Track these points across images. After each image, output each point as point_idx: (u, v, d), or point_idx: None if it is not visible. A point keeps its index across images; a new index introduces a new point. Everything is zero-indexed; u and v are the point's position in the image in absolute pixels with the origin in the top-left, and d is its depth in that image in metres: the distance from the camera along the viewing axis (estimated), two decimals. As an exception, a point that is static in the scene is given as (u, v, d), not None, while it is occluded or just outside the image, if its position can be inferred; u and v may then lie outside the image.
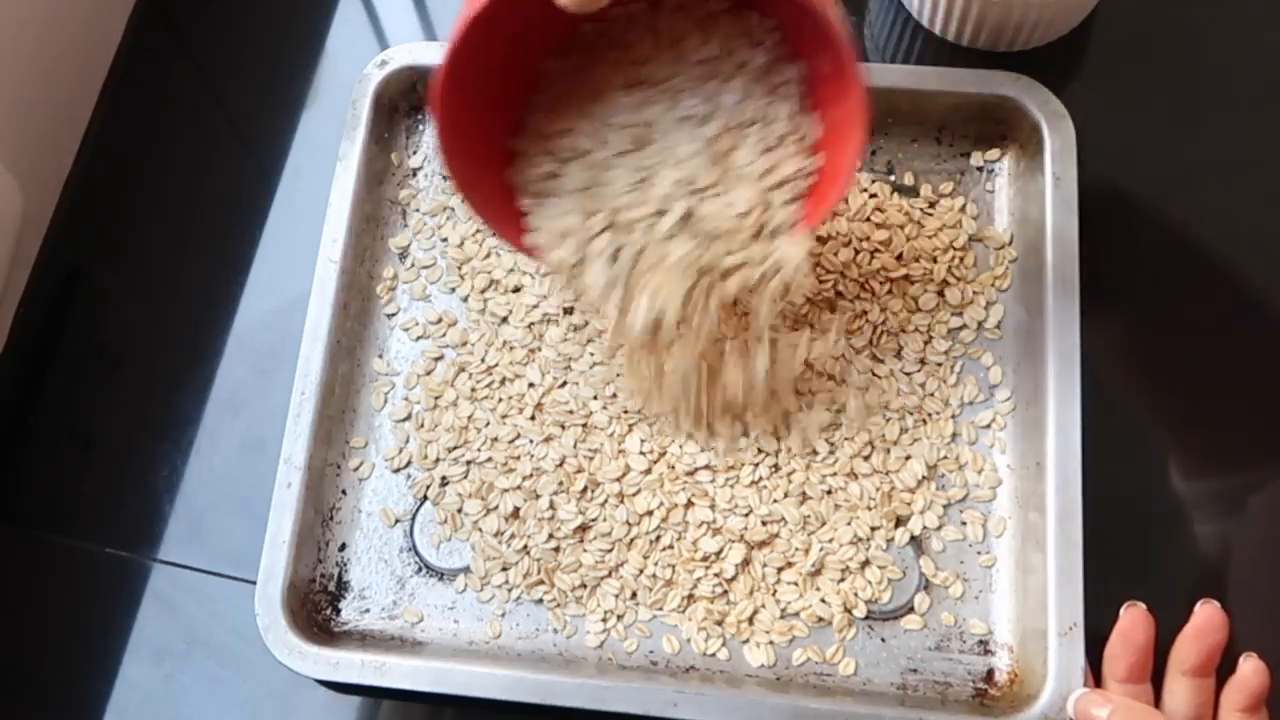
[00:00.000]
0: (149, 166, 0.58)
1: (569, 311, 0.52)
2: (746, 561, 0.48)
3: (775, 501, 0.48)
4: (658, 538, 0.48)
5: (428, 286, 0.54)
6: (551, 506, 0.49)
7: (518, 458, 0.50)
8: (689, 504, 0.48)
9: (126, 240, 0.57)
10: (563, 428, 0.50)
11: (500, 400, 0.51)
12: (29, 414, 0.54)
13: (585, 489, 0.49)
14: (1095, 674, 0.44)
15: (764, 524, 0.48)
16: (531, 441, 0.50)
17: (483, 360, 0.52)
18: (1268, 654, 0.43)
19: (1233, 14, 0.56)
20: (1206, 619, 0.43)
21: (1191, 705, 0.43)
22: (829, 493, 0.48)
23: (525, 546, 0.48)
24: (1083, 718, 0.42)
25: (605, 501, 0.48)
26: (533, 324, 0.52)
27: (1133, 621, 0.44)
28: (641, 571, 0.48)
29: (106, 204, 0.58)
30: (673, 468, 0.49)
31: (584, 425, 0.50)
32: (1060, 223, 0.49)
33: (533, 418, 0.50)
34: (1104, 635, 0.44)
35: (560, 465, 0.49)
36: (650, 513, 0.48)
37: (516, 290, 0.53)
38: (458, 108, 0.40)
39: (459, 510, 0.49)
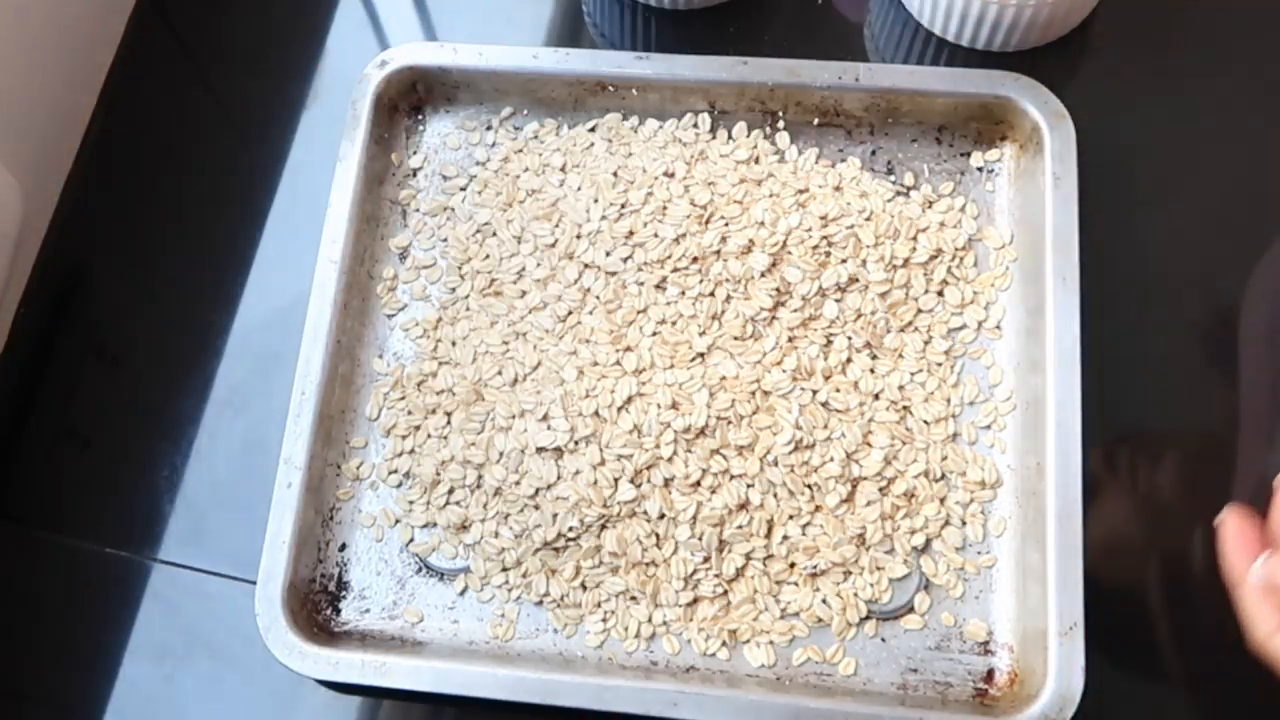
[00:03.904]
0: (149, 166, 0.58)
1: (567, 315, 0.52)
2: (747, 561, 0.48)
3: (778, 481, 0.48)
4: (656, 537, 0.48)
5: (428, 286, 0.54)
6: (552, 506, 0.49)
7: (519, 457, 0.49)
8: (696, 484, 0.48)
9: (126, 240, 0.57)
10: (564, 426, 0.50)
11: (500, 400, 0.51)
12: (28, 413, 0.54)
13: (586, 487, 0.49)
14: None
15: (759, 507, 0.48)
16: (532, 440, 0.50)
17: (482, 360, 0.52)
18: None
19: (1232, 14, 0.56)
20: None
21: None
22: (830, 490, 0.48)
23: (526, 547, 0.48)
24: (1269, 581, 0.36)
25: (607, 500, 0.48)
26: (533, 326, 0.52)
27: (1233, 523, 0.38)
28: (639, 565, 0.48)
29: (106, 204, 0.58)
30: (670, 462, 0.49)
31: (583, 423, 0.50)
32: (1060, 223, 0.49)
33: (521, 415, 0.50)
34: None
35: (559, 464, 0.49)
36: (645, 496, 0.48)
37: (519, 291, 0.53)
38: None
39: (459, 510, 0.49)
